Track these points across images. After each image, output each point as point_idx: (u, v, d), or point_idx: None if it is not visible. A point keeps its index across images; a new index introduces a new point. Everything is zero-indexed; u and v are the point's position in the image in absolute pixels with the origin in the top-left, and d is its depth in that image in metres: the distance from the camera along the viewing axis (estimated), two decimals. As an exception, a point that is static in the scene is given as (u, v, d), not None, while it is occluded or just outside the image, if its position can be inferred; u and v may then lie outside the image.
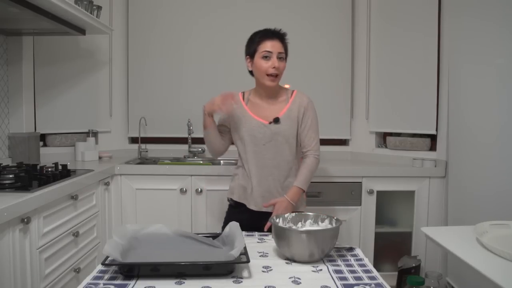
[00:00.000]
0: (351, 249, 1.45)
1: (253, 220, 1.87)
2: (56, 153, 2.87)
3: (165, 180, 2.68)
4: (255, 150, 1.92)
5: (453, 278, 2.46)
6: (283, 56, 1.87)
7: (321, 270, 1.26)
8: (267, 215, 1.82)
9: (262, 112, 1.94)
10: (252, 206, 1.94)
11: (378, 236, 2.75)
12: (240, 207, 1.98)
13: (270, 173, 1.92)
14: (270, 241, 1.50)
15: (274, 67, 1.84)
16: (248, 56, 1.95)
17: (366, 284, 1.15)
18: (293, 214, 1.48)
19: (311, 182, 2.55)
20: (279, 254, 1.37)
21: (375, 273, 1.24)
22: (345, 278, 1.19)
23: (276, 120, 1.90)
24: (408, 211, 2.77)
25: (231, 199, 2.03)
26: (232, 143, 2.07)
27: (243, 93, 2.04)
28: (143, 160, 3.11)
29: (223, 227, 1.91)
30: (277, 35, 1.88)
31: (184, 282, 1.15)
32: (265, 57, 1.86)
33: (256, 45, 1.89)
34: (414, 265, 2.61)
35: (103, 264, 1.20)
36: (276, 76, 1.87)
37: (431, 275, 1.63)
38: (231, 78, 3.16)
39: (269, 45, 1.85)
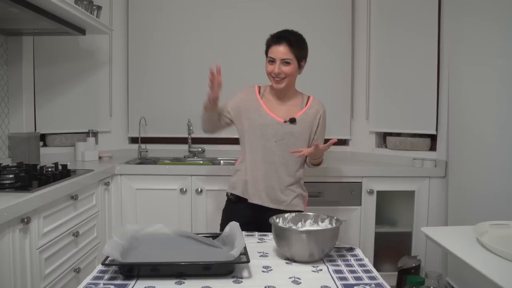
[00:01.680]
0: (351, 249, 1.45)
1: (253, 215, 1.90)
2: (56, 153, 2.86)
3: (165, 180, 2.68)
4: (265, 145, 1.94)
5: (453, 278, 2.46)
6: (289, 61, 1.87)
7: (321, 270, 1.26)
8: (268, 210, 1.88)
9: (277, 110, 1.96)
10: (255, 200, 1.95)
11: (378, 236, 2.75)
12: (240, 203, 1.99)
13: (276, 170, 1.94)
14: (270, 241, 1.50)
15: (275, 73, 1.88)
16: (265, 55, 1.96)
17: (366, 284, 1.15)
18: (293, 214, 1.48)
19: (311, 182, 2.56)
20: (279, 254, 1.37)
21: (375, 273, 1.24)
22: (345, 278, 1.19)
23: (292, 120, 1.93)
24: (408, 211, 2.77)
25: (231, 194, 2.03)
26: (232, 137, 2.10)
27: (259, 87, 2.05)
28: (143, 160, 3.11)
29: (222, 224, 1.97)
30: (284, 40, 1.86)
31: (184, 282, 1.15)
32: (271, 61, 1.90)
33: (267, 48, 1.92)
34: (414, 265, 2.61)
35: (103, 264, 1.20)
36: (281, 79, 1.89)
37: (431, 275, 1.63)
38: (231, 77, 3.14)
39: (274, 51, 1.88)
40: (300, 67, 1.93)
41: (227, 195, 2.07)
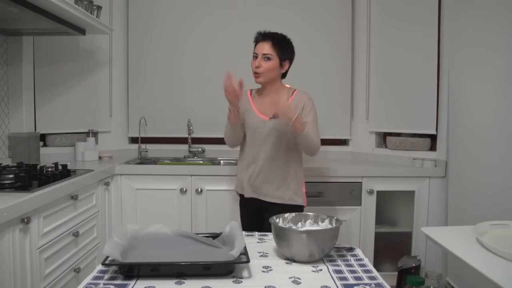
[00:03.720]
0: (351, 249, 1.45)
1: (255, 210, 2.05)
2: (56, 153, 2.86)
3: (165, 180, 2.68)
4: (255, 143, 2.04)
5: (453, 278, 2.46)
6: (269, 57, 1.98)
7: (321, 270, 1.26)
8: (266, 204, 2.00)
9: (263, 109, 2.06)
10: (251, 194, 2.07)
11: (378, 236, 2.75)
12: (244, 199, 2.13)
13: (267, 165, 2.03)
14: (270, 241, 1.50)
15: (255, 67, 1.99)
16: None
17: (366, 284, 1.15)
18: (293, 214, 1.48)
19: (311, 182, 2.55)
20: (279, 254, 1.37)
21: (375, 273, 1.24)
22: (345, 278, 1.19)
23: (276, 116, 1.95)
24: (408, 211, 2.77)
25: (236, 191, 2.20)
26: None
27: (251, 90, 2.16)
28: (143, 160, 3.11)
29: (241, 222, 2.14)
30: (265, 37, 2.00)
31: (184, 282, 1.15)
32: (254, 57, 2.02)
33: (254, 47, 2.05)
34: (414, 265, 2.61)
35: (103, 264, 1.20)
36: (260, 74, 1.99)
37: (431, 275, 1.63)
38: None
39: (257, 48, 2.02)
40: (282, 66, 2.02)
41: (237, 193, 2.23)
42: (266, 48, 1.98)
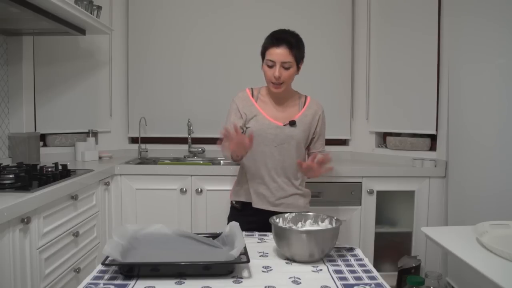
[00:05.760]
0: (351, 249, 1.45)
1: (259, 221, 1.78)
2: (56, 153, 2.86)
3: (165, 180, 2.68)
4: (265, 150, 1.88)
5: (453, 278, 2.46)
6: (289, 65, 1.79)
7: (321, 270, 1.26)
8: (274, 214, 1.78)
9: (274, 113, 1.91)
10: (259, 205, 1.91)
11: (378, 236, 2.75)
12: (246, 210, 1.95)
13: (279, 175, 1.91)
14: (270, 241, 1.50)
15: (275, 77, 1.80)
16: (261, 56, 1.89)
17: (366, 284, 1.15)
18: (293, 214, 1.48)
19: (311, 182, 2.54)
20: (279, 254, 1.37)
21: (375, 273, 1.24)
22: (345, 278, 1.19)
23: (292, 123, 1.88)
24: (408, 211, 2.77)
25: (236, 201, 1.99)
26: None
27: (252, 89, 1.96)
28: (143, 160, 3.11)
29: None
30: (284, 42, 1.78)
31: (184, 282, 1.15)
32: (270, 65, 1.81)
33: (264, 50, 1.84)
34: (414, 265, 2.61)
35: (103, 264, 1.20)
36: (281, 84, 1.82)
37: (431, 275, 1.63)
38: (231, 77, 3.16)
39: (273, 54, 1.79)
40: (298, 69, 1.86)
41: (231, 203, 2.03)
42: (284, 55, 1.77)
